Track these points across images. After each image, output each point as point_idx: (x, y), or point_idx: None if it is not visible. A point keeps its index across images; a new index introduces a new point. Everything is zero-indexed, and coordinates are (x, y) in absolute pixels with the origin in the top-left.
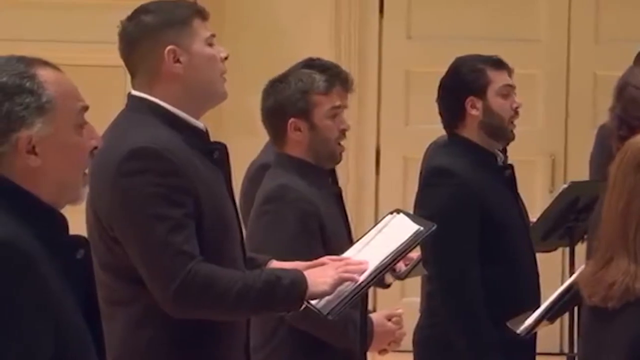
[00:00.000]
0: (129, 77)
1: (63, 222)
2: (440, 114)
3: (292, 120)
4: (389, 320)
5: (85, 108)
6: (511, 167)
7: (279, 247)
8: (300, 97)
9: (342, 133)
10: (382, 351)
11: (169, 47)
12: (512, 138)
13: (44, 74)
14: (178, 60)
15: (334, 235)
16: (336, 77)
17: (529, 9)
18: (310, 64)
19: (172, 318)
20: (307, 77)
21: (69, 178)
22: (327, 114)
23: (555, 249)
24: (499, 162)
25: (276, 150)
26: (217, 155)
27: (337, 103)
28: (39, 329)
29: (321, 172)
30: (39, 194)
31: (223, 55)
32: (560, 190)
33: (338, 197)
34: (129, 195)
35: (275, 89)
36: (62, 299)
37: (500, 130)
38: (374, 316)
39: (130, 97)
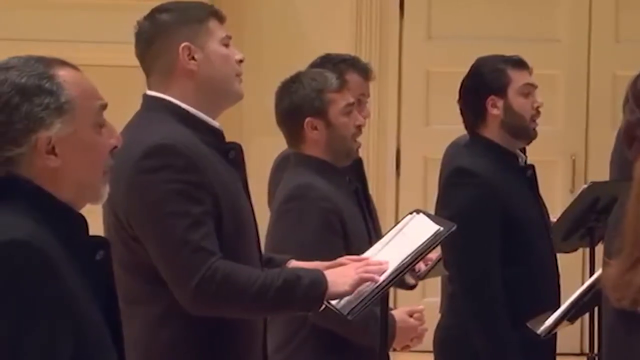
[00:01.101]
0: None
1: (82, 223)
2: (462, 114)
3: (308, 119)
4: (411, 316)
5: (104, 106)
6: (532, 167)
7: (301, 244)
8: (316, 96)
9: (358, 129)
10: (405, 347)
11: (183, 44)
12: (534, 136)
13: (63, 74)
14: (193, 58)
15: (353, 234)
16: (353, 67)
17: (550, 9)
18: (328, 58)
19: (191, 318)
20: (319, 75)
21: (89, 178)
22: (342, 111)
23: (575, 250)
24: (521, 162)
25: (293, 150)
26: (233, 155)
27: (351, 100)
28: (58, 328)
29: (338, 170)
30: (59, 194)
31: (238, 57)
32: (580, 191)
33: (357, 195)
34: (148, 192)
35: (289, 90)
36: (82, 299)
37: (522, 130)
38: (395, 313)
39: (145, 97)
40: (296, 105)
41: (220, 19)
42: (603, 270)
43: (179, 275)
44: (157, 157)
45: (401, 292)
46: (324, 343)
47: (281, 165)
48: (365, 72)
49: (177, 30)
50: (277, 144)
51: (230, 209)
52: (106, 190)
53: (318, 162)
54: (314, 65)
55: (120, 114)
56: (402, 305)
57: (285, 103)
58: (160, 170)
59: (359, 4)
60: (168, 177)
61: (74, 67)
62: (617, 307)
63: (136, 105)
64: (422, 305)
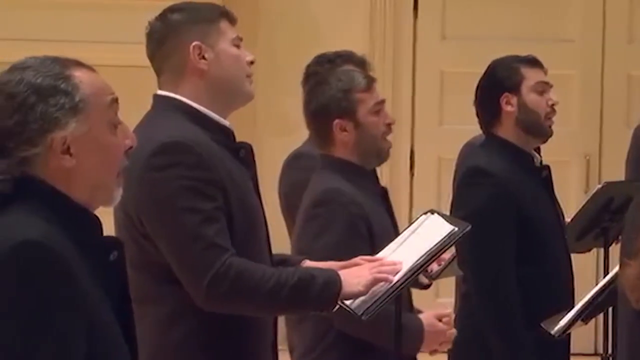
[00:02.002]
0: None
1: (96, 224)
2: (478, 115)
3: (337, 121)
4: (440, 320)
5: (116, 100)
6: (548, 168)
7: (326, 247)
8: (343, 97)
9: (388, 127)
10: (433, 351)
11: (194, 43)
12: (550, 134)
13: (79, 75)
14: (203, 57)
15: (379, 235)
16: (350, 61)
17: (564, 9)
18: (322, 57)
19: (201, 316)
20: (346, 75)
21: (103, 178)
22: (371, 110)
23: (589, 250)
24: (536, 162)
25: (321, 152)
26: (243, 153)
27: (380, 98)
28: (72, 328)
29: (365, 172)
30: (72, 195)
31: (249, 58)
32: (594, 191)
33: (382, 196)
34: (160, 189)
35: (316, 91)
36: (94, 299)
37: (537, 127)
38: (423, 317)
39: (155, 97)
40: (323, 106)
41: (232, 20)
42: (622, 270)
43: (192, 272)
44: (168, 154)
45: (415, 293)
46: (350, 347)
47: (291, 164)
48: (362, 64)
49: (188, 30)
50: (289, 144)
51: (240, 207)
52: (119, 193)
53: (344, 164)
54: (309, 66)
55: (130, 114)
56: (416, 306)
57: (312, 105)
58: (171, 167)
59: (373, 5)
60: (179, 174)
61: (90, 68)
62: (636, 308)
63: (146, 105)
64: (450, 309)
